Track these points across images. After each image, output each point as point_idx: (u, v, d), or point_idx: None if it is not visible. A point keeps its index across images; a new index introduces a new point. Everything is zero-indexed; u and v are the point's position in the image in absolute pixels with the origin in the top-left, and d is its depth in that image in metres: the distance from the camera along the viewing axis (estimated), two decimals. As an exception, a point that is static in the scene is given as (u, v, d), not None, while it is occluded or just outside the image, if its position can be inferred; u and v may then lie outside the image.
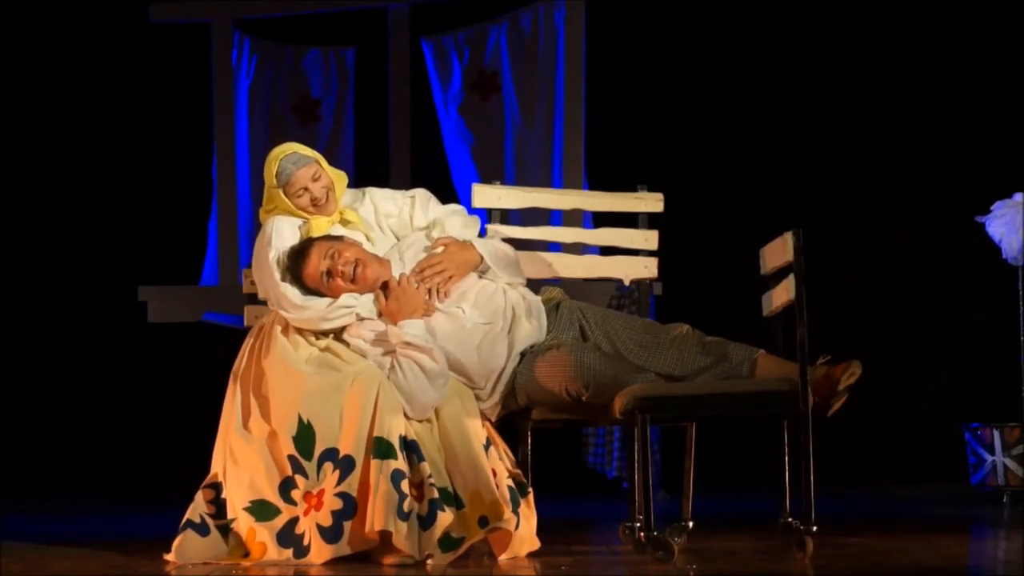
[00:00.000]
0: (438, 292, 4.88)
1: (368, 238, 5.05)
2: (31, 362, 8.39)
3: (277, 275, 4.84)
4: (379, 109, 8.44)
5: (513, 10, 8.39)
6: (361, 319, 4.83)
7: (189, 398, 8.04)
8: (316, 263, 4.82)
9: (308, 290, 4.84)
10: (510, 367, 4.85)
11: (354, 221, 5.04)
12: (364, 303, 4.84)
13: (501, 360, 4.84)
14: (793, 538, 4.60)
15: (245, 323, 5.18)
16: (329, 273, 4.81)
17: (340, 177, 5.06)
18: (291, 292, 4.83)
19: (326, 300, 4.83)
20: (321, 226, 4.97)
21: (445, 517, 4.58)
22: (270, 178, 4.95)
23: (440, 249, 4.95)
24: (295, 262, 4.85)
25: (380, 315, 4.84)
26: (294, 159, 4.95)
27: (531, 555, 4.75)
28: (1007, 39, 7.93)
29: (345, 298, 4.82)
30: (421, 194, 5.17)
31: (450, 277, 4.90)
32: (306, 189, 4.93)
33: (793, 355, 4.54)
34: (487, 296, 4.92)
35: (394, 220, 5.10)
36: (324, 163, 5.01)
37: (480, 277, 4.97)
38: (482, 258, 4.96)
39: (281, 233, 4.92)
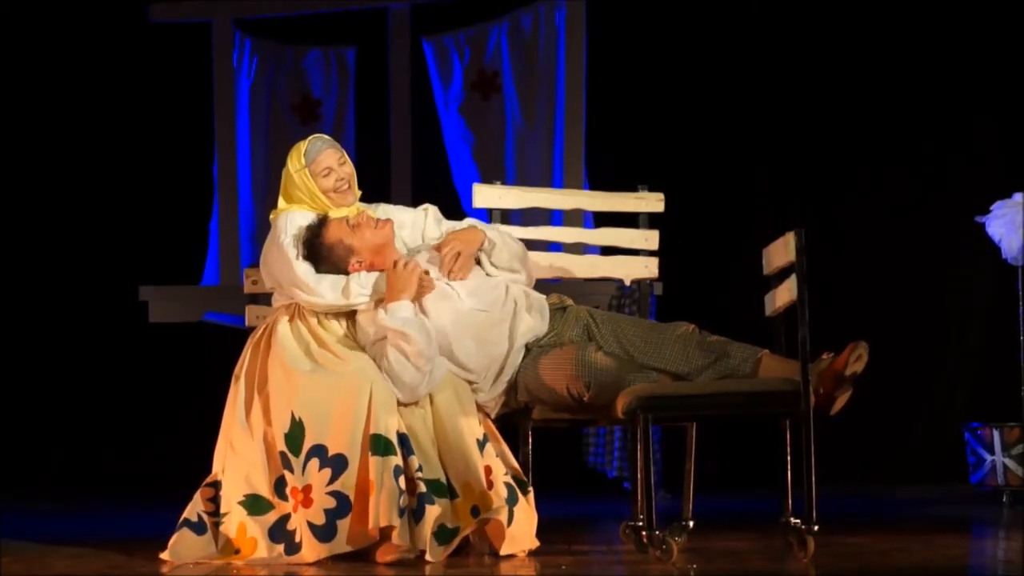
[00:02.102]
0: (456, 276, 4.90)
1: None
2: (32, 362, 8.39)
3: (292, 254, 4.84)
4: (380, 109, 8.45)
5: (513, 10, 8.40)
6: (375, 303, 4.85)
7: (189, 398, 8.04)
8: (338, 221, 4.86)
9: (324, 265, 4.85)
10: (511, 359, 4.86)
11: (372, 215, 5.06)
12: (371, 280, 4.85)
13: (501, 349, 4.85)
14: (794, 538, 4.60)
15: (246, 323, 5.18)
16: (355, 225, 4.85)
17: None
18: (303, 270, 4.82)
19: (339, 283, 4.82)
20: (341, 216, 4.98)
21: (433, 510, 4.60)
22: (297, 160, 4.96)
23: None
24: (314, 231, 4.86)
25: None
26: (323, 140, 5.01)
27: (531, 555, 4.75)
28: (1008, 34, 7.93)
29: (354, 280, 4.82)
30: (433, 209, 5.19)
31: (459, 254, 4.91)
32: (331, 169, 4.96)
33: (795, 355, 4.54)
34: (486, 287, 4.93)
35: (407, 231, 5.11)
36: (347, 157, 5.06)
37: (485, 261, 4.98)
38: (486, 234, 4.97)
39: (295, 222, 4.92)
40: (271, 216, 5.06)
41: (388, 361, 4.72)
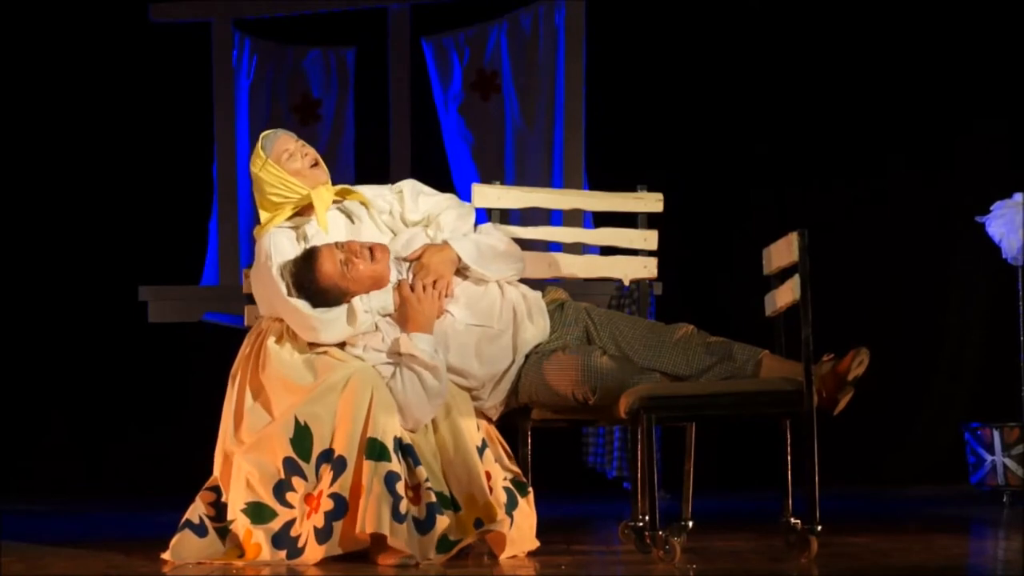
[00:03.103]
0: (443, 295, 4.86)
1: (364, 204, 5.03)
2: (31, 362, 8.38)
3: (283, 289, 4.76)
4: (379, 109, 8.44)
5: (513, 10, 8.39)
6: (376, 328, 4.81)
7: (189, 398, 8.04)
8: (331, 256, 4.75)
9: (318, 298, 4.76)
10: (514, 368, 4.85)
11: (354, 191, 5.02)
12: (377, 299, 4.81)
13: (505, 363, 4.84)
14: (795, 538, 4.60)
15: (245, 323, 5.17)
16: (347, 262, 4.75)
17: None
18: (301, 307, 4.74)
19: (340, 313, 4.77)
20: (324, 196, 4.91)
21: (443, 521, 4.59)
22: (258, 159, 4.89)
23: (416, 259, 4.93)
24: (305, 266, 4.75)
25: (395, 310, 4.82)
26: (274, 132, 4.96)
27: (531, 555, 4.75)
28: (1009, 36, 7.93)
29: (357, 304, 4.78)
30: (408, 187, 5.12)
31: (441, 277, 4.86)
32: (292, 151, 4.89)
33: (795, 355, 4.54)
34: (476, 297, 4.91)
35: (385, 217, 5.06)
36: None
37: (466, 277, 4.95)
38: (459, 255, 4.90)
39: (280, 248, 4.84)
40: (254, 232, 5.00)
41: (402, 387, 4.69)
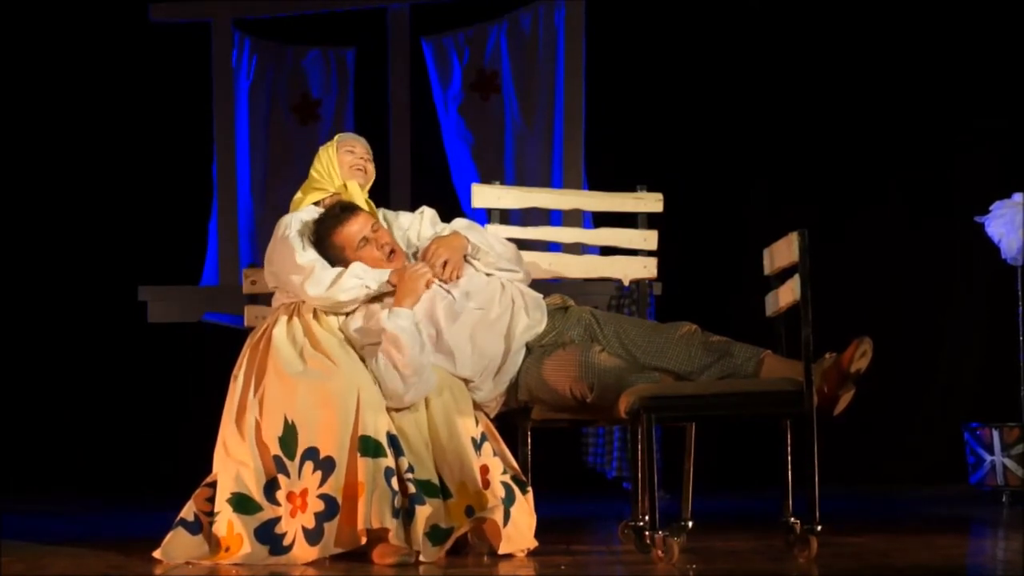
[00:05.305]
0: (448, 278, 4.92)
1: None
2: (31, 362, 8.38)
3: (298, 245, 4.92)
4: (379, 109, 8.44)
5: (513, 10, 8.39)
6: (370, 299, 4.86)
7: (189, 398, 8.04)
8: (361, 225, 4.94)
9: (321, 245, 4.94)
10: (511, 360, 4.86)
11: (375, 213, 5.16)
12: (373, 276, 4.89)
13: (497, 350, 4.85)
14: (795, 538, 4.60)
15: (245, 323, 5.19)
16: (366, 239, 4.91)
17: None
18: (307, 257, 4.89)
19: (336, 269, 4.87)
20: (355, 191, 5.12)
21: (424, 510, 4.61)
22: (330, 142, 5.19)
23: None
24: (336, 214, 4.96)
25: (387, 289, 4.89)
26: (360, 137, 5.25)
27: (531, 555, 4.75)
28: (1005, 38, 7.93)
29: (355, 267, 4.86)
30: (430, 213, 5.27)
31: (446, 261, 4.94)
32: (355, 151, 5.16)
33: (796, 356, 4.53)
34: (480, 284, 4.94)
35: (402, 232, 5.18)
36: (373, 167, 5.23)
37: (476, 267, 4.99)
38: (469, 240, 5.01)
39: (299, 223, 5.02)
40: (293, 200, 5.18)
41: (377, 364, 4.73)
